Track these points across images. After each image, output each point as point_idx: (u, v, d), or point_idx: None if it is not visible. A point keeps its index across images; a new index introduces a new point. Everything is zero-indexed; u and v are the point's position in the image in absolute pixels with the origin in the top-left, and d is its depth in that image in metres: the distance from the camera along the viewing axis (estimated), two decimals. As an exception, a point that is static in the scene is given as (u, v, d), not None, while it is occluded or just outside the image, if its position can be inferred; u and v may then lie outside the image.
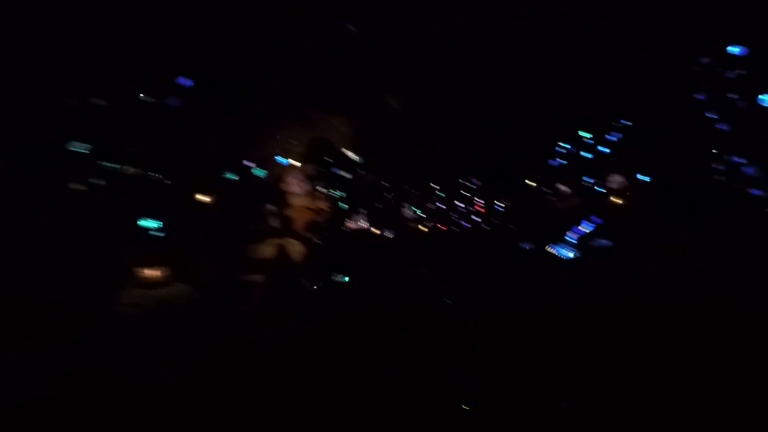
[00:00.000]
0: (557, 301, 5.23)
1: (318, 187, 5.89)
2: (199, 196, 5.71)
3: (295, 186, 5.29)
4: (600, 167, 8.09)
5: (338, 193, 7.80)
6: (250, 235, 5.27)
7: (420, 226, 12.71)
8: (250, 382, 3.26)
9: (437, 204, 13.88)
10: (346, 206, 7.40)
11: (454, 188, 13.72)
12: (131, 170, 4.89)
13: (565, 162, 9.31)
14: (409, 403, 3.46)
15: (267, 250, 5.09)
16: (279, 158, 6.66)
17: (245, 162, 6.21)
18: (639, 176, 7.03)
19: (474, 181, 13.93)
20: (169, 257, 3.79)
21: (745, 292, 4.25)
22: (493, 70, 7.16)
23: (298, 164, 6.32)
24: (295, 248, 5.20)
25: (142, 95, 4.91)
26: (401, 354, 4.29)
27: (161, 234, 4.14)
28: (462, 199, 14.06)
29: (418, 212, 13.12)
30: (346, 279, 5.52)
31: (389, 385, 3.72)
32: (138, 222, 4.41)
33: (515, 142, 9.53)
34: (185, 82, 4.86)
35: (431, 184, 13.29)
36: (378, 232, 10.43)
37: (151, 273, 3.62)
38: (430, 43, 6.55)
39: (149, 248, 3.83)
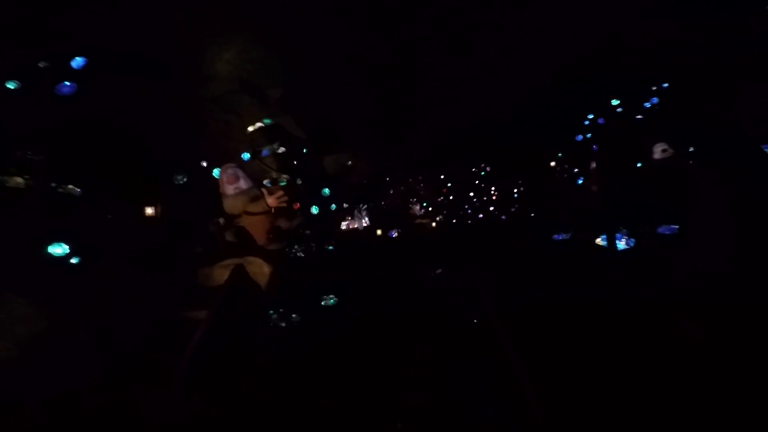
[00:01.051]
0: (609, 301, 4.01)
1: (282, 183, 4.52)
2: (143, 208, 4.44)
3: (240, 184, 3.87)
4: (637, 138, 6.56)
5: (325, 191, 6.47)
6: (194, 256, 3.94)
7: (428, 222, 11.32)
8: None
9: (444, 195, 12.39)
10: (334, 206, 6.07)
11: (462, 175, 12.14)
12: (20, 180, 3.61)
13: (590, 135, 7.79)
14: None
15: (218, 274, 3.76)
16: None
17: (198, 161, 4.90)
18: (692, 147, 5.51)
19: (483, 165, 12.33)
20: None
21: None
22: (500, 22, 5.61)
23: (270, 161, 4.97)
24: (258, 269, 3.86)
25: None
26: (417, 398, 2.96)
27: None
28: (472, 186, 12.49)
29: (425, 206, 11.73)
30: (333, 302, 4.16)
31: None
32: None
33: (526, 111, 7.86)
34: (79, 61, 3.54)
35: (437, 173, 11.80)
36: (380, 232, 9.10)
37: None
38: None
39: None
